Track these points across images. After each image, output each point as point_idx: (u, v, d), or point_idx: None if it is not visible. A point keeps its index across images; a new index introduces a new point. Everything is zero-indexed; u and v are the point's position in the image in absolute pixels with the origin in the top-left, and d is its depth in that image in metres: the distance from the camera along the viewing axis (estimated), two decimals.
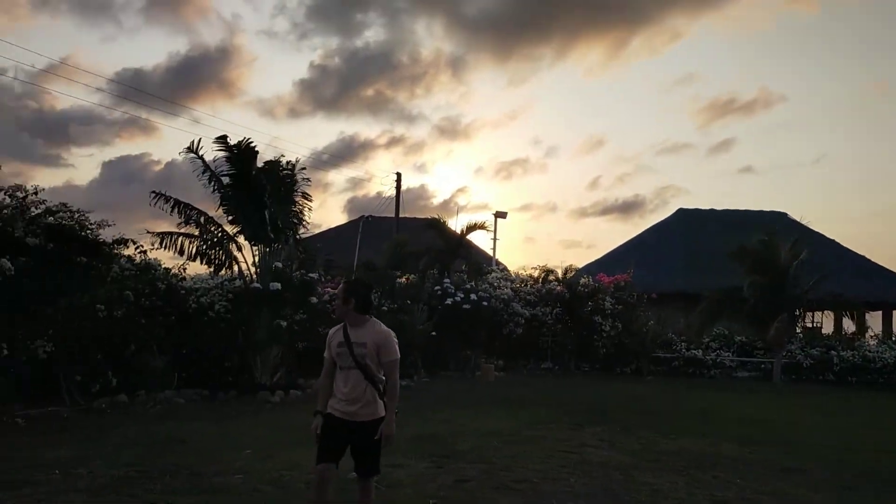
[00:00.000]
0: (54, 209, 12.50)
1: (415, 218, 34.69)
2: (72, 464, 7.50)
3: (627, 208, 64.89)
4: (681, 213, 33.55)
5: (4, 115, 54.26)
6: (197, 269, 23.16)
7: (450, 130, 69.02)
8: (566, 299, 23.83)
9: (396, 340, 5.06)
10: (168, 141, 77.60)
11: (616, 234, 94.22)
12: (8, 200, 11.91)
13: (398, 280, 20.04)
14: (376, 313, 15.79)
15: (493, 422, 11.67)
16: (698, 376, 23.02)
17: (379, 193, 76.75)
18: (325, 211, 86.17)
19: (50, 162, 65.71)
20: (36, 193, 12.50)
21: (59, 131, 62.31)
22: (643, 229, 34.14)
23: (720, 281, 22.90)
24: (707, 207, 33.48)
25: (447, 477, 7.57)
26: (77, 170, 69.29)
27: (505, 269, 27.94)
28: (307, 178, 16.07)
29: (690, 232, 31.06)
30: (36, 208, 12.53)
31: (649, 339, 23.06)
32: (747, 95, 68.73)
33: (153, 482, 6.87)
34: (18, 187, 12.29)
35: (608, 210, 65.85)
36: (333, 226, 42.19)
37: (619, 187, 69.81)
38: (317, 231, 34.22)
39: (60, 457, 7.86)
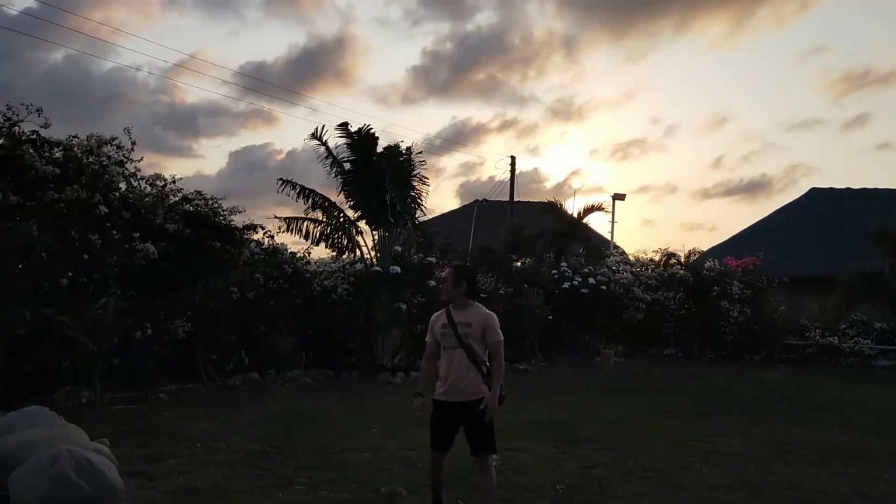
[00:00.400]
0: (190, 197, 13.18)
1: (529, 202, 34.43)
2: (211, 438, 7.88)
3: (753, 189, 61.79)
4: (813, 192, 31.67)
5: (140, 109, 57.80)
6: (320, 253, 23.78)
7: (563, 112, 67.88)
8: (690, 284, 23.01)
9: (498, 323, 5.15)
10: (289, 130, 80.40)
11: (741, 216, 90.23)
12: (149, 189, 12.62)
13: (514, 264, 19.94)
14: (493, 297, 15.84)
15: (617, 408, 11.42)
16: (833, 365, 21.69)
17: (492, 178, 76.92)
18: (438, 196, 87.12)
19: (182, 153, 69.40)
20: (174, 182, 13.22)
21: (189, 124, 65.75)
22: (771, 211, 32.48)
23: (858, 264, 21.45)
24: (842, 186, 31.47)
25: (572, 463, 7.44)
26: (206, 160, 72.86)
27: (623, 252, 27.30)
28: (424, 162, 16.25)
29: (824, 212, 29.26)
30: (174, 196, 13.25)
31: (780, 326, 21.94)
32: (884, 67, 63.96)
33: (286, 457, 7.11)
34: (158, 176, 13.02)
35: (732, 191, 62.97)
36: (447, 211, 42.54)
37: (744, 167, 66.59)
38: (431, 216, 34.62)
39: (200, 431, 8.28)
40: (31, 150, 10.38)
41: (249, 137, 78.43)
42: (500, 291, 19.06)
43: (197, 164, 73.82)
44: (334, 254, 16.10)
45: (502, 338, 5.15)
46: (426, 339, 5.26)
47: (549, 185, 72.74)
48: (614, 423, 9.91)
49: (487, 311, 5.24)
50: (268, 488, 5.90)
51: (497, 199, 39.80)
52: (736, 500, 6.23)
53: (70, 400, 9.90)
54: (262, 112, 77.88)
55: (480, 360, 5.08)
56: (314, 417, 9.53)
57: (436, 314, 5.28)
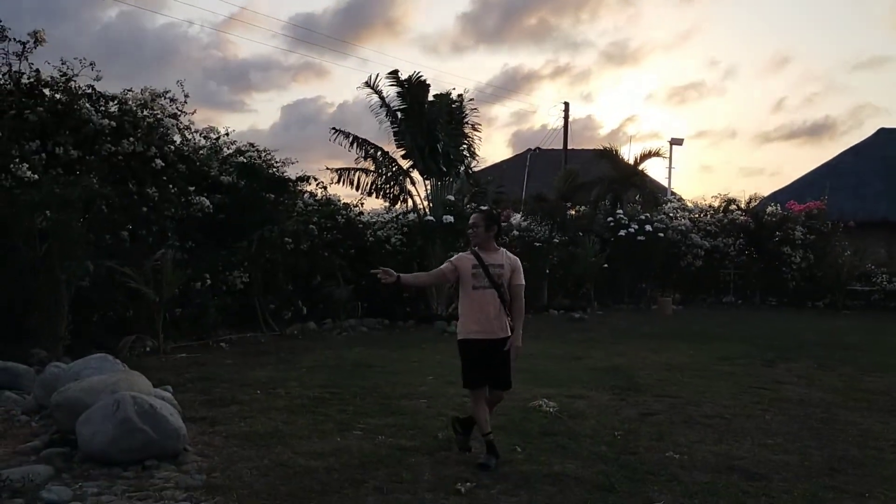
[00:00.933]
0: (244, 149, 13.23)
1: (583, 149, 33.81)
2: (271, 384, 8.00)
3: (817, 131, 59.69)
4: (882, 133, 30.26)
5: (194, 64, 58.28)
6: (373, 204, 23.80)
7: (617, 56, 66.18)
8: (751, 229, 22.40)
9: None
10: (339, 83, 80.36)
11: (804, 159, 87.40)
12: (203, 142, 12.71)
13: (569, 212, 19.65)
14: (547, 246, 15.67)
15: (676, 355, 11.24)
16: None
17: (545, 126, 75.67)
18: (491, 146, 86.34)
19: (235, 108, 70.14)
20: (227, 135, 13.31)
21: (241, 78, 66.16)
22: (836, 153, 31.25)
23: None
24: None
25: (631, 410, 7.34)
26: (259, 114, 73.55)
27: (681, 199, 26.67)
28: (476, 110, 16.00)
29: (892, 154, 28.00)
30: (227, 149, 13.33)
31: (845, 271, 21.24)
32: None
33: (345, 403, 7.17)
34: (211, 129, 13.12)
35: (795, 134, 60.96)
36: (500, 160, 42.10)
37: (807, 108, 64.28)
38: (484, 166, 34.18)
39: (260, 378, 8.41)
40: (87, 105, 10.50)
41: (301, 90, 78.73)
42: (555, 240, 18.83)
43: (250, 119, 74.64)
44: (387, 204, 16.08)
45: (525, 282, 5.56)
46: (441, 267, 5.58)
47: (603, 132, 71.45)
48: (674, 371, 9.75)
49: (513, 255, 5.62)
50: (326, 433, 5.95)
51: (550, 147, 39.30)
52: (802, 449, 6.05)
53: (134, 349, 10.18)
54: (313, 65, 77.85)
55: (507, 301, 5.42)
56: (371, 365, 9.60)
57: (461, 255, 5.55)
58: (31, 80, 10.17)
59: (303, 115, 65.67)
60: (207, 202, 11.54)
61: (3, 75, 10.08)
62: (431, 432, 6.10)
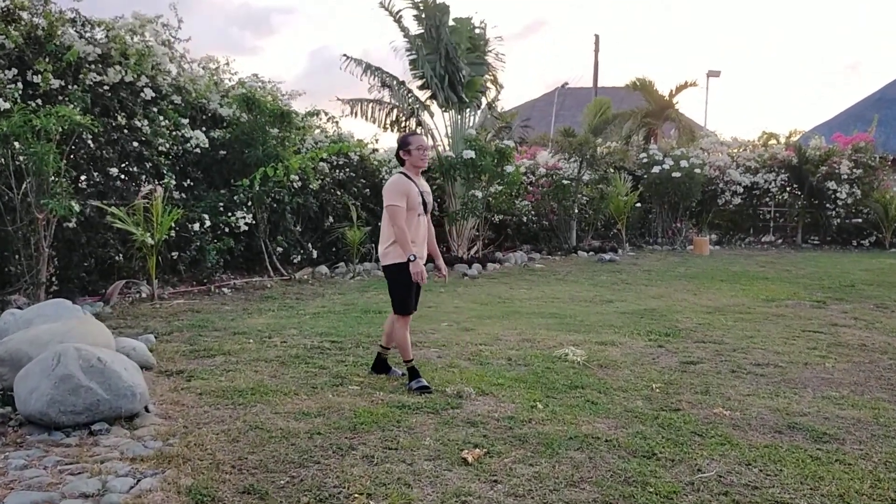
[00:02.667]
0: (246, 80, 12.28)
1: (613, 87, 32.34)
2: (267, 332, 7.22)
3: (863, 62, 56.78)
4: None
5: (214, 10, 56.88)
6: (388, 142, 22.66)
7: None
8: (793, 165, 21.02)
9: None
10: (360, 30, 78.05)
11: (849, 92, 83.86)
12: (201, 72, 11.77)
13: (600, 148, 18.46)
14: (576, 184, 14.59)
15: (717, 297, 10.28)
16: None
17: (573, 63, 73.18)
18: (516, 85, 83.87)
19: (256, 53, 68.62)
20: (227, 64, 12.34)
21: (262, 23, 64.47)
22: (885, 84, 29.40)
23: None
24: None
25: (671, 358, 6.44)
26: (279, 59, 71.94)
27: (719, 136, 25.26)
28: (500, 38, 14.83)
29: None
30: (230, 80, 12.39)
31: (894, 207, 19.91)
32: None
33: (345, 353, 6.36)
34: (210, 58, 12.16)
35: (839, 66, 58.08)
36: (527, 100, 40.59)
37: (853, 38, 61.09)
38: (509, 107, 32.89)
39: (258, 325, 7.64)
40: (70, 30, 9.59)
41: (322, 37, 76.79)
42: (584, 178, 17.74)
43: (271, 64, 73.03)
44: None
45: None
46: (399, 204, 5.17)
47: (634, 68, 68.96)
48: (716, 314, 8.81)
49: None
50: (318, 388, 5.14)
51: (580, 86, 37.74)
52: (873, 402, 5.13)
53: (127, 295, 9.47)
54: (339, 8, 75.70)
55: None
56: (381, 311, 8.77)
57: (401, 181, 5.27)
58: (7, 2, 9.25)
59: (325, 60, 64.11)
60: (203, 136, 10.66)
61: None
62: (439, 386, 5.26)
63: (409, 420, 4.48)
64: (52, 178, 7.99)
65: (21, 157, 7.74)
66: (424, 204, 5.33)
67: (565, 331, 7.60)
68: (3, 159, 7.84)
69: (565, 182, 17.21)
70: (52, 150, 7.75)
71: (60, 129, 8.22)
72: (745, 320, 8.40)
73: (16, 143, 7.60)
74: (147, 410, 4.38)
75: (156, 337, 6.85)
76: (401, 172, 5.35)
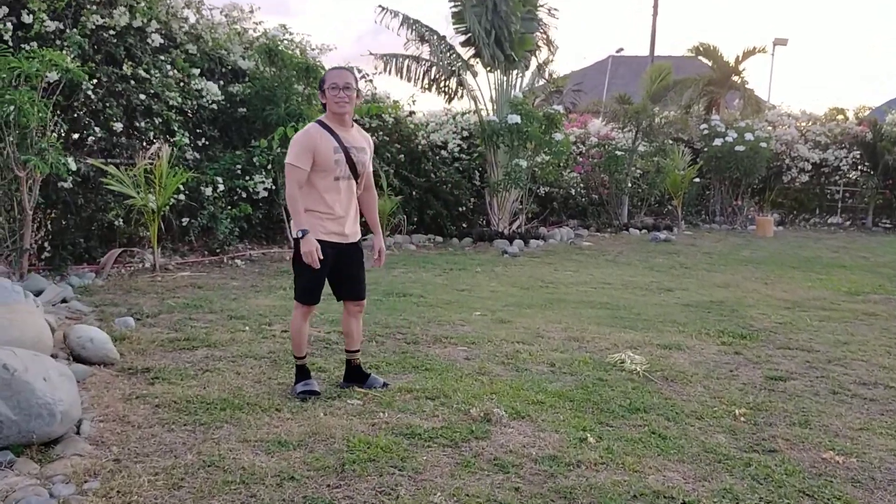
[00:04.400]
0: (272, 32, 11.17)
1: (670, 56, 30.51)
2: (268, 317, 6.18)
3: None
4: None
5: None
6: (425, 104, 21.14)
7: None
8: (866, 141, 19.24)
9: None
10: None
11: None
12: (222, 20, 10.71)
13: (657, 117, 16.97)
14: (629, 155, 13.22)
15: (792, 288, 8.96)
16: None
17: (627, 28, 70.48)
18: (565, 53, 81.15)
19: (307, 15, 67.40)
20: (252, 12, 11.23)
21: None
22: None
23: None
24: None
25: (752, 370, 5.22)
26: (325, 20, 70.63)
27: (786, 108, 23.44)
28: None
29: None
30: (254, 31, 11.31)
31: None
32: None
33: (331, 357, 5.27)
34: (234, 6, 11.07)
35: None
36: (576, 69, 38.85)
37: None
38: (558, 75, 31.17)
39: (260, 307, 6.60)
40: None
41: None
42: (640, 148, 16.33)
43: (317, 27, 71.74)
44: (446, 104, 13.83)
45: None
46: (296, 164, 3.94)
47: (694, 36, 66.16)
48: (795, 310, 7.52)
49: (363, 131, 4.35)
50: (308, 401, 4.07)
51: (634, 55, 35.95)
52: None
53: (129, 264, 8.54)
54: None
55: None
56: (407, 293, 7.70)
57: (308, 133, 4.02)
58: None
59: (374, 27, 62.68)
60: (215, 88, 9.60)
61: None
62: (463, 402, 4.15)
63: (418, 457, 3.38)
64: (38, 131, 7.00)
65: None
66: (352, 164, 4.05)
67: (619, 327, 6.42)
68: None
69: (618, 153, 15.83)
70: (34, 98, 6.74)
71: (49, 77, 7.23)
72: (832, 320, 7.10)
73: None
74: (77, 432, 3.36)
75: (138, 319, 5.87)
76: (317, 121, 4.10)
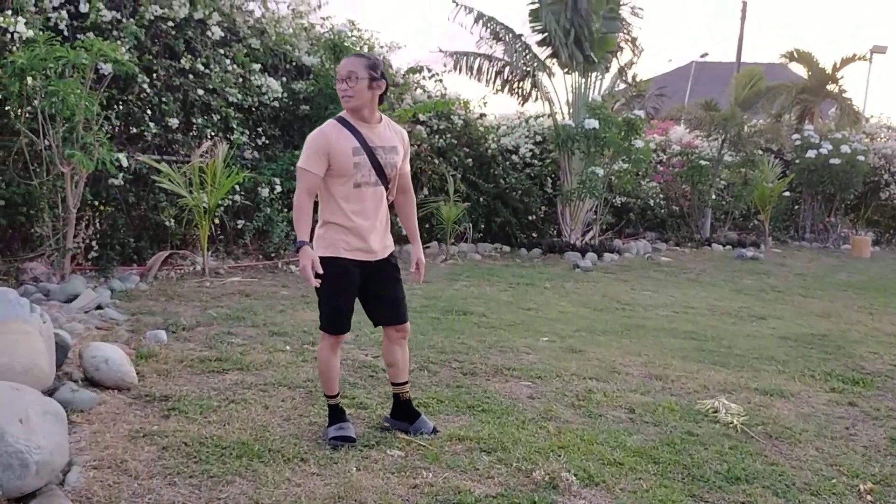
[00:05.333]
0: (339, 27, 10.69)
1: (757, 63, 29.04)
2: (312, 336, 5.57)
3: None
4: None
5: None
6: (497, 106, 20.48)
7: None
8: None
9: None
10: None
11: None
12: (287, 13, 10.28)
13: (746, 125, 15.85)
14: (714, 165, 12.14)
15: None
16: None
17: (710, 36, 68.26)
18: (644, 57, 79.14)
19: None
20: (319, 7, 10.76)
21: None
22: None
23: None
24: None
25: (873, 429, 4.36)
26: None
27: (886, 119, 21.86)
28: None
29: None
30: (321, 26, 10.85)
31: None
32: None
33: (375, 389, 4.63)
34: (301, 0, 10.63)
35: None
36: (656, 74, 37.52)
37: None
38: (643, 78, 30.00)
39: (306, 324, 6.01)
40: None
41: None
42: (727, 157, 15.28)
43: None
44: (519, 106, 13.13)
45: None
46: (307, 168, 3.34)
47: (782, 43, 63.47)
48: None
49: (398, 125, 3.65)
50: (339, 451, 3.44)
51: (717, 61, 34.56)
52: None
53: (180, 267, 8.14)
54: None
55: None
56: (468, 310, 7.04)
57: (323, 132, 3.40)
58: None
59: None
60: (276, 85, 9.15)
61: None
62: (524, 462, 3.46)
63: None
64: (84, 125, 6.62)
65: (39, 99, 6.38)
66: (379, 166, 3.41)
67: (708, 363, 5.61)
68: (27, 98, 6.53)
69: (703, 162, 14.81)
70: (78, 89, 6.36)
71: (104, 68, 6.88)
72: None
73: (28, 80, 6.24)
74: (62, 483, 2.81)
75: (172, 332, 5.38)
76: (338, 118, 3.48)
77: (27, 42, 6.40)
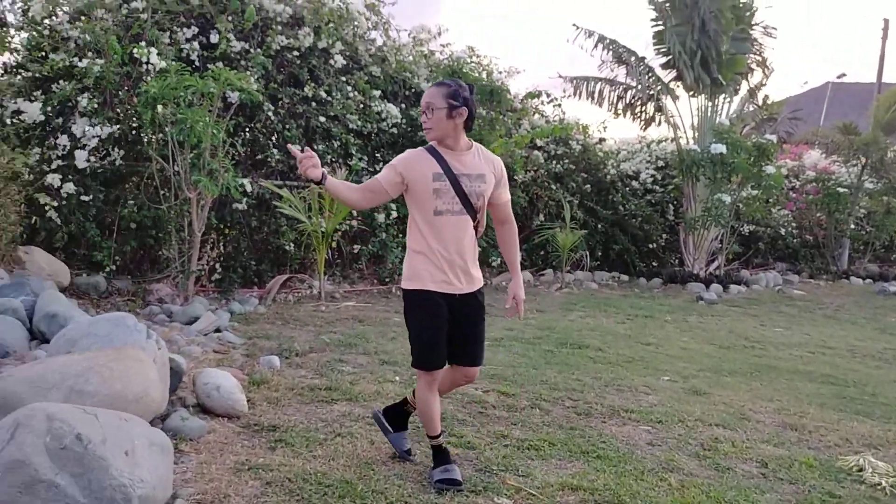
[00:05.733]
0: (458, 54, 10.73)
1: None
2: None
3: None
4: None
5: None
6: (617, 131, 20.03)
7: None
8: None
9: None
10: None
11: None
12: (408, 41, 10.41)
13: (889, 150, 14.74)
14: (853, 192, 11.26)
15: None
16: None
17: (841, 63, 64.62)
18: (782, 75, 75.70)
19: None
20: (440, 34, 10.87)
21: None
22: None
23: None
24: None
25: None
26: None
27: None
28: (770, 7, 12.01)
29: None
30: (441, 53, 10.93)
31: None
32: None
33: (509, 421, 4.44)
34: (423, 27, 10.77)
35: None
36: (791, 96, 35.72)
37: None
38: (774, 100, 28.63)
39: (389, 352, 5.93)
40: None
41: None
42: (867, 185, 14.23)
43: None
44: (641, 130, 12.75)
45: None
46: (378, 177, 3.30)
47: None
48: None
49: (490, 152, 3.50)
50: (444, 498, 3.28)
51: (854, 81, 32.58)
52: None
53: (297, 291, 8.29)
54: None
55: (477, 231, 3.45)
56: (583, 344, 6.76)
57: (414, 155, 3.33)
58: None
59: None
60: (395, 111, 9.23)
61: None
62: None
63: None
64: (211, 151, 6.86)
65: (168, 127, 6.66)
66: (463, 195, 3.26)
67: (850, 412, 5.10)
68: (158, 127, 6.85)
69: (840, 189, 13.85)
70: (205, 117, 6.59)
71: (232, 97, 7.14)
72: None
73: (159, 108, 6.52)
74: None
75: (286, 358, 5.42)
76: (426, 146, 3.36)
77: (160, 72, 6.70)
